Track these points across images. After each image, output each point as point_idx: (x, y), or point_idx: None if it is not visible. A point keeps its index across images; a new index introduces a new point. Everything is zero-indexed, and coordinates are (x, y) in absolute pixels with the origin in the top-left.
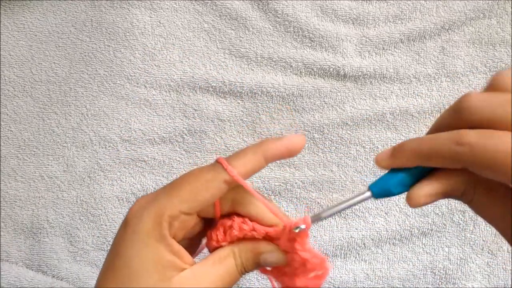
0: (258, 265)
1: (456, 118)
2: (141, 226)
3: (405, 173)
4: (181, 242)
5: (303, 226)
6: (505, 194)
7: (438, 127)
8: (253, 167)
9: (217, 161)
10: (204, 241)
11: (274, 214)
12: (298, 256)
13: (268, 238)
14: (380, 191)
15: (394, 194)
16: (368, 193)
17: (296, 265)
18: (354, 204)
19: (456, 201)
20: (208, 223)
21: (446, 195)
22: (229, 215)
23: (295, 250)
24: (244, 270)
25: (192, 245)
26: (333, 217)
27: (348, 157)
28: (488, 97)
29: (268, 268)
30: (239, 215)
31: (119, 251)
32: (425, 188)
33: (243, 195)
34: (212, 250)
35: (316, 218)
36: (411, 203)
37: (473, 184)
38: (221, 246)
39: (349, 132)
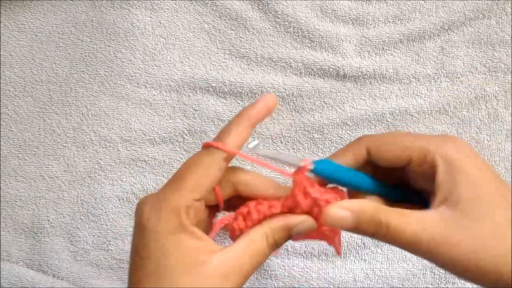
0: (290, 238)
1: None
2: (161, 224)
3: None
4: None
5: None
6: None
7: None
8: (242, 137)
9: (207, 145)
10: (215, 221)
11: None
12: (320, 201)
13: (285, 209)
14: (320, 170)
15: (331, 180)
16: (308, 162)
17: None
18: (287, 162)
19: None
20: (211, 210)
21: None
22: (231, 198)
23: (315, 201)
24: (276, 247)
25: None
26: None
27: None
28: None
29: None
30: (247, 198)
31: (146, 255)
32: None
33: (243, 176)
34: (235, 240)
35: (254, 150)
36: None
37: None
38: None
39: (349, 132)
